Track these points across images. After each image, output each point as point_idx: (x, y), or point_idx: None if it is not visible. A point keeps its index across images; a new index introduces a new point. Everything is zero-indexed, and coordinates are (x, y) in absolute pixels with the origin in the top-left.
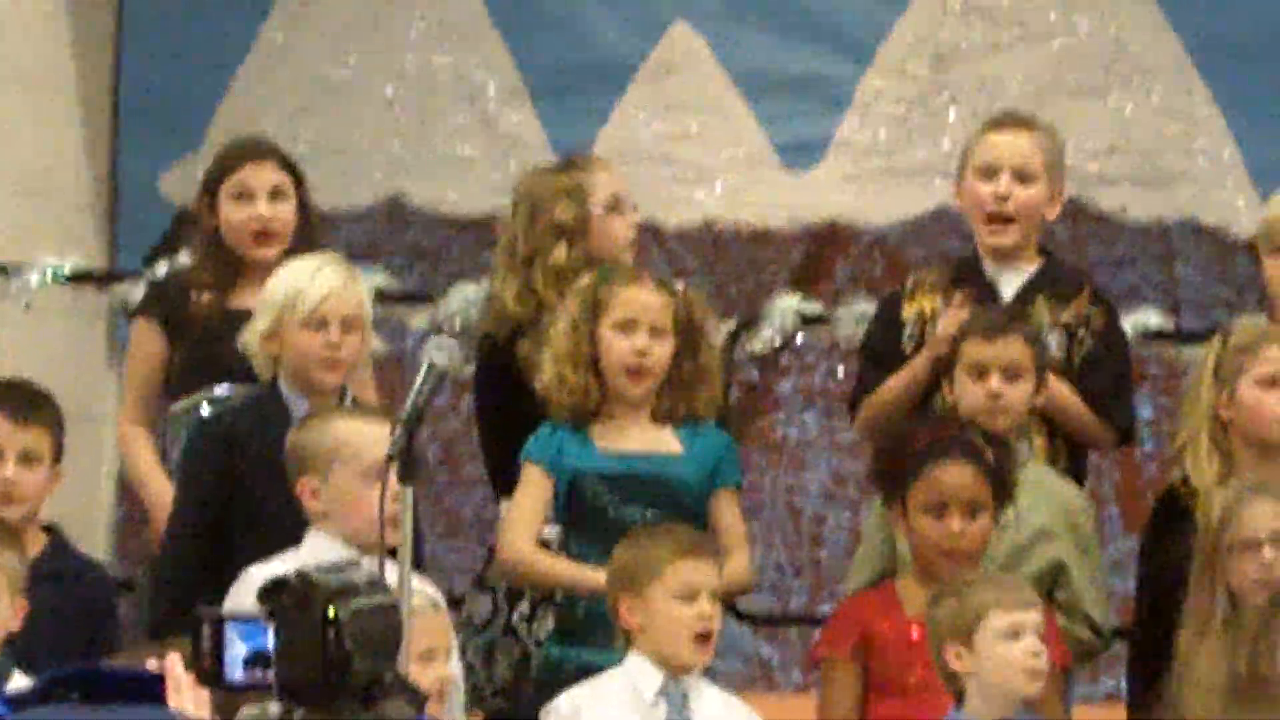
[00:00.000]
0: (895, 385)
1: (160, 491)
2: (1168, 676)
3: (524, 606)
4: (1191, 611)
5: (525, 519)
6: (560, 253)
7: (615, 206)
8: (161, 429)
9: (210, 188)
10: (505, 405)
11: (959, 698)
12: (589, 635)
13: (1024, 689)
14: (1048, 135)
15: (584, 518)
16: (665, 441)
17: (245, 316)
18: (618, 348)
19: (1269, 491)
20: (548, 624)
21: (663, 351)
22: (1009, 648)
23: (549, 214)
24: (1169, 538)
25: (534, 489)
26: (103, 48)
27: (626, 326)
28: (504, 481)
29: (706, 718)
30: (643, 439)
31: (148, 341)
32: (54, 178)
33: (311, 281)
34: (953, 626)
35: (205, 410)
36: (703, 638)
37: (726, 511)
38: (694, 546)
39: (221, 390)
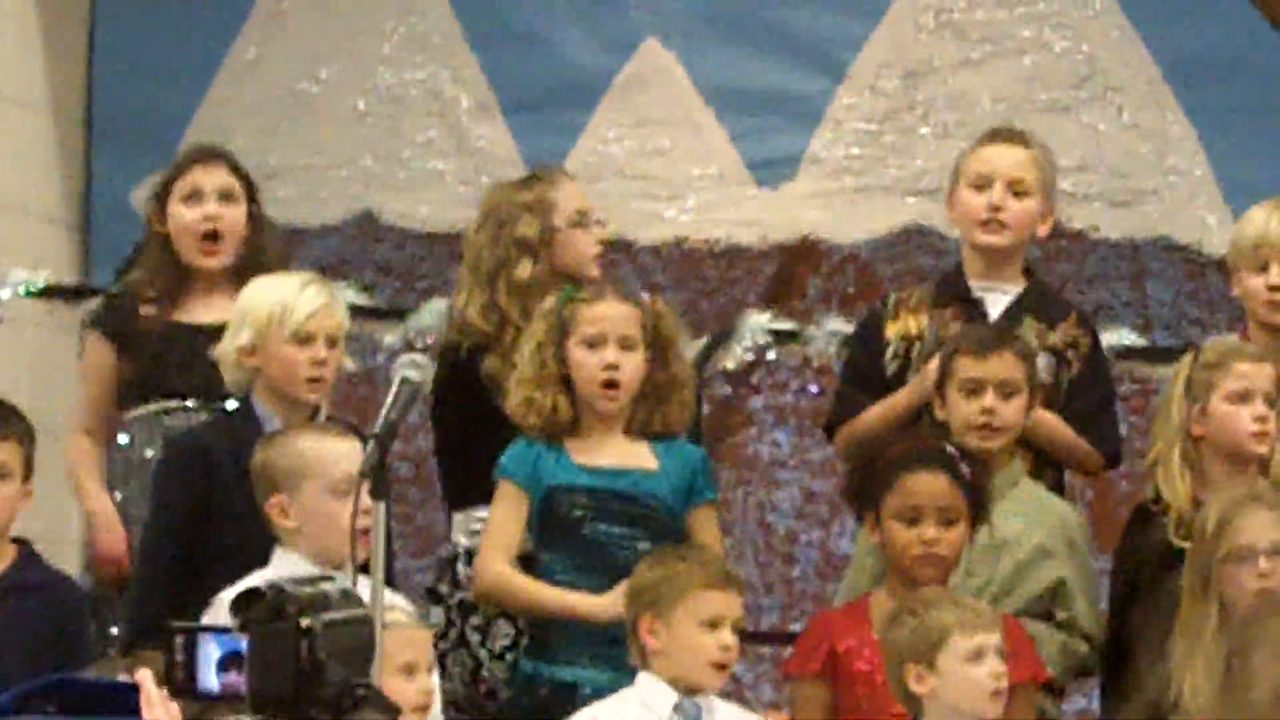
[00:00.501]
0: (877, 414)
1: (96, 504)
2: (1140, 695)
3: (477, 619)
4: (1185, 622)
5: (501, 540)
6: (524, 267)
7: (580, 221)
8: (123, 435)
9: (161, 193)
10: (466, 419)
11: (915, 718)
12: (560, 651)
13: (986, 711)
14: (1042, 153)
15: (558, 531)
16: (640, 457)
17: (192, 330)
18: (588, 364)
19: (1265, 501)
20: (501, 637)
21: (634, 364)
22: (973, 670)
23: (513, 229)
24: (1140, 555)
25: (509, 507)
26: (75, 63)
27: (595, 342)
28: (458, 495)
29: None
30: (618, 454)
31: (97, 355)
32: (27, 192)
33: (299, 296)
34: (914, 648)
35: (132, 432)
36: (721, 666)
37: (704, 528)
38: (724, 578)
39: (173, 404)
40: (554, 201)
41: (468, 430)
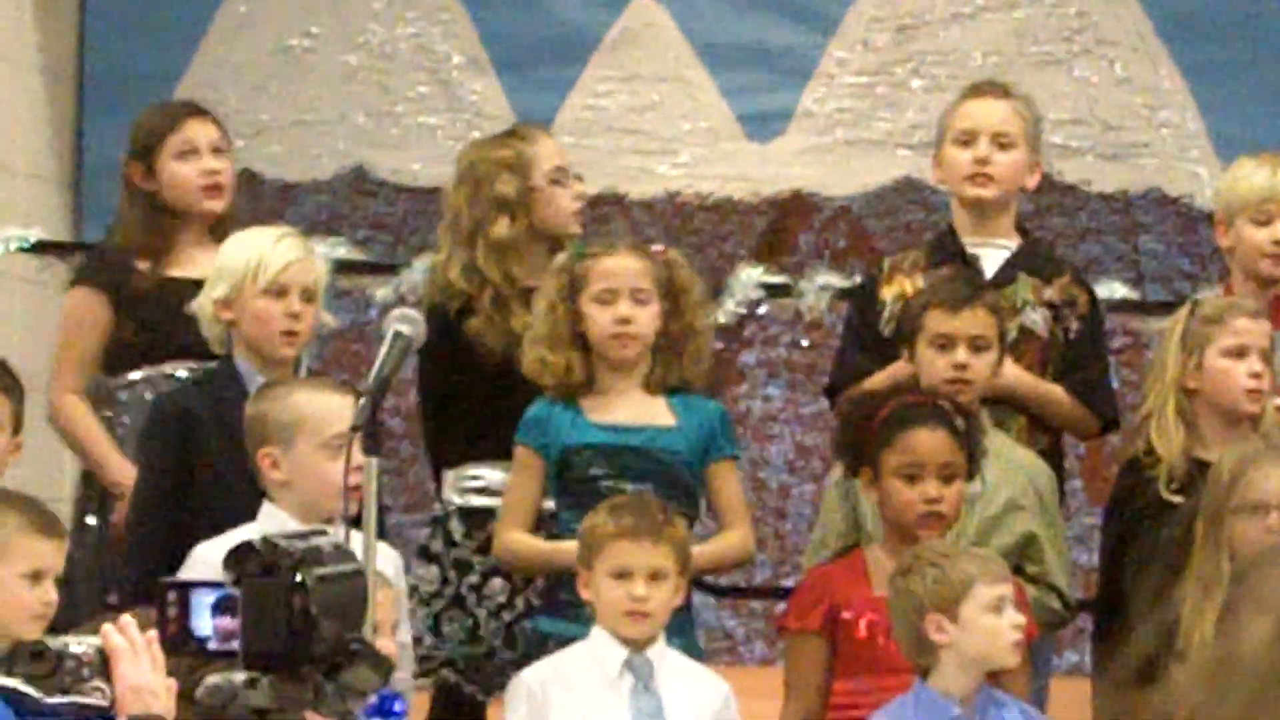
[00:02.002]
0: (882, 382)
1: (122, 477)
2: (1132, 647)
3: (473, 577)
4: (1196, 574)
5: (515, 507)
6: (502, 226)
7: (558, 178)
8: (110, 399)
9: (148, 150)
10: (450, 380)
11: (924, 672)
12: (572, 609)
13: (1007, 661)
14: (1025, 104)
15: (576, 491)
16: (658, 413)
17: (190, 286)
18: (600, 319)
19: (1278, 456)
20: (498, 595)
21: (648, 316)
22: (995, 620)
23: (491, 187)
24: (1131, 508)
25: (522, 474)
26: (66, 21)
27: (607, 297)
28: (448, 454)
29: (673, 687)
30: (635, 411)
31: (93, 311)
32: (18, 149)
33: (273, 250)
34: (937, 597)
35: (158, 388)
36: (636, 615)
37: (725, 484)
38: (635, 527)
39: (176, 368)
40: (532, 159)
41: (456, 390)
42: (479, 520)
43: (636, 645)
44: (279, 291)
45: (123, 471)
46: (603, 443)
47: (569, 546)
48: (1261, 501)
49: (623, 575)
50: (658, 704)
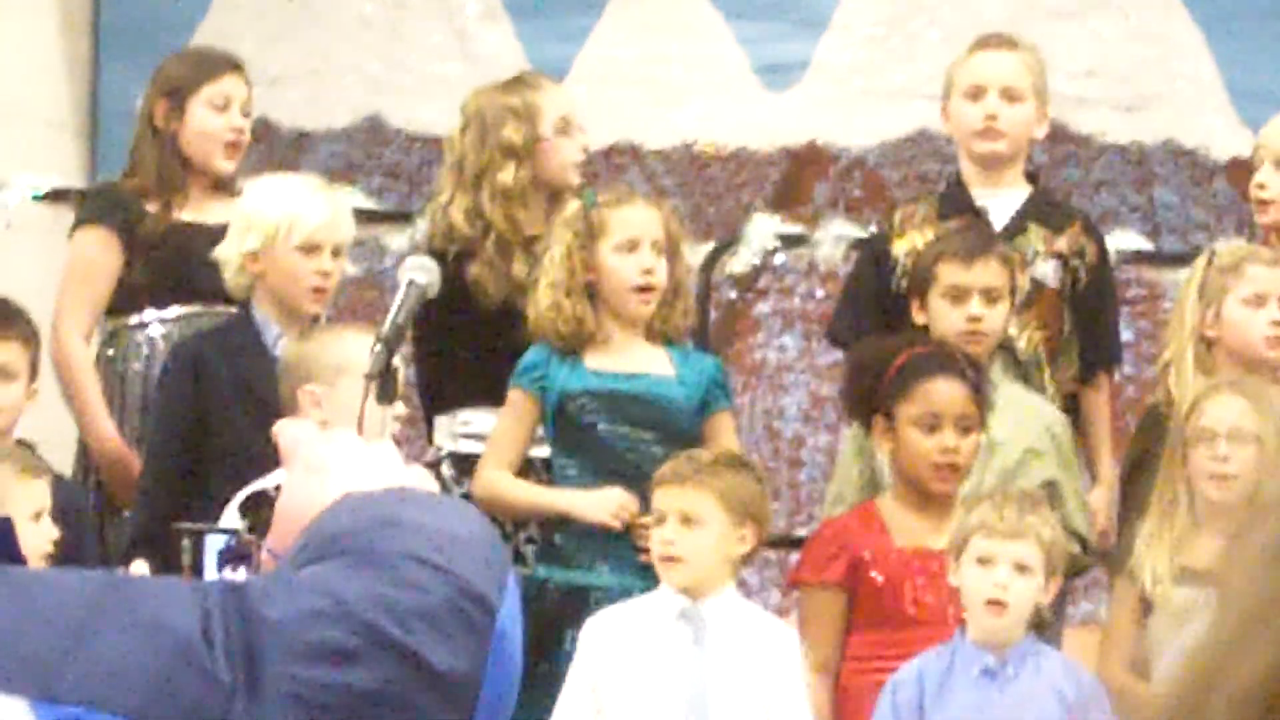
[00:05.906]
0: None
1: (108, 445)
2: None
3: None
4: (1158, 500)
5: (501, 447)
6: (508, 173)
7: (564, 128)
8: (114, 341)
9: (179, 91)
10: (451, 325)
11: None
12: (572, 556)
13: (983, 620)
14: (1032, 55)
15: (572, 435)
16: (658, 363)
17: (203, 231)
18: (622, 268)
19: (1239, 388)
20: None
21: (663, 268)
22: (976, 576)
23: (498, 133)
24: (1150, 458)
25: (514, 416)
26: None
27: (630, 246)
28: (441, 399)
29: (726, 637)
30: (636, 361)
31: (104, 251)
32: (34, 97)
33: (308, 205)
34: (951, 544)
35: (159, 330)
36: (667, 560)
37: (723, 435)
38: (667, 472)
39: (183, 311)
40: (540, 107)
41: (452, 335)
42: (470, 465)
43: (691, 594)
44: (312, 248)
45: (100, 434)
46: (601, 389)
47: (551, 496)
48: (1211, 430)
49: (660, 522)
50: (713, 656)
